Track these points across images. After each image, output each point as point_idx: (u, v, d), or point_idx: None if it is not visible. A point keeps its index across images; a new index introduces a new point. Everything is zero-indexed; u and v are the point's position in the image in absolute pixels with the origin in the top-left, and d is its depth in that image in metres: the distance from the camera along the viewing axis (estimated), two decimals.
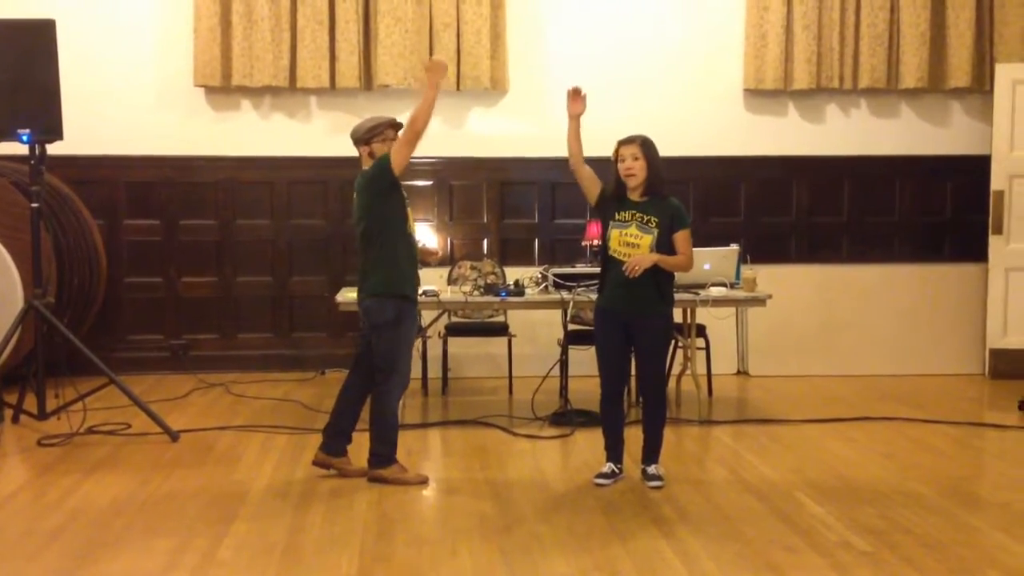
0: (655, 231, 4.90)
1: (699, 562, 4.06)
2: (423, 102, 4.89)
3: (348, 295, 6.33)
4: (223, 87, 7.78)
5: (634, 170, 4.93)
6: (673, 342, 6.09)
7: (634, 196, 4.97)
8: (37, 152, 6.05)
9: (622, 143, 4.98)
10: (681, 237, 4.94)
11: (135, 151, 7.83)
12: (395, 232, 4.97)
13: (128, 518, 4.59)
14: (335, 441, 5.19)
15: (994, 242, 7.65)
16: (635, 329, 4.96)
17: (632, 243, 4.92)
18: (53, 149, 6.18)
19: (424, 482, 5.07)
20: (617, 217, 4.97)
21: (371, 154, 5.04)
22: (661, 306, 4.97)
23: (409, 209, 5.06)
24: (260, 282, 8.07)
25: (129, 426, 6.09)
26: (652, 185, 4.95)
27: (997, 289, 7.66)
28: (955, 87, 8.08)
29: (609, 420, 5.15)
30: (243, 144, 7.93)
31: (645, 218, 4.92)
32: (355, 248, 5.20)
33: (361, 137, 5.05)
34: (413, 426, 5.90)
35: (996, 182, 7.59)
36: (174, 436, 5.91)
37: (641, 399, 5.19)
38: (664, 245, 4.91)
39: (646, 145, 4.95)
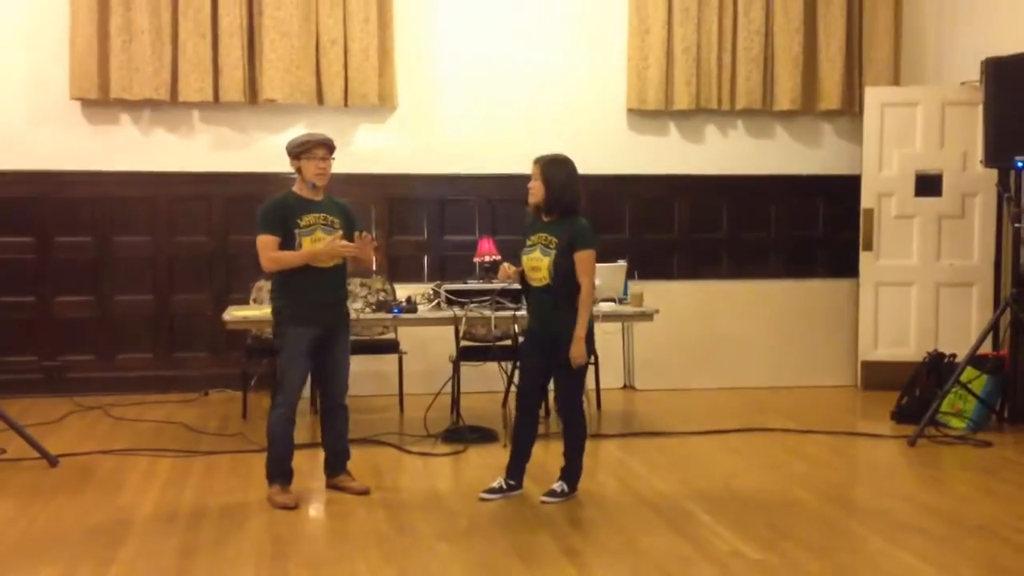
0: (553, 252, 4.92)
1: (595, 574, 4.11)
2: (291, 259, 4.96)
3: (235, 313, 6.23)
4: (101, 100, 7.55)
5: (533, 190, 4.99)
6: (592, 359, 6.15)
7: (544, 217, 5.02)
8: None
9: (533, 162, 5.03)
10: (581, 258, 4.91)
11: (6, 165, 7.52)
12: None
13: (9, 546, 4.42)
14: (330, 466, 5.32)
15: (864, 258, 7.97)
16: (551, 349, 4.99)
17: (535, 267, 4.97)
18: None
19: (292, 507, 4.96)
20: (527, 243, 5.03)
21: (298, 169, 5.04)
22: (571, 328, 4.91)
23: (304, 238, 5.01)
24: (140, 301, 7.83)
25: (4, 451, 5.84)
26: (553, 206, 4.97)
27: (868, 303, 7.97)
28: (827, 109, 8.41)
29: (517, 435, 5.18)
30: (122, 159, 7.69)
31: (548, 239, 4.95)
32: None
33: (290, 151, 5.07)
34: (304, 445, 5.81)
35: (866, 200, 7.92)
36: (53, 461, 5.69)
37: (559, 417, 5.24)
38: (562, 265, 4.90)
39: (548, 165, 4.98)
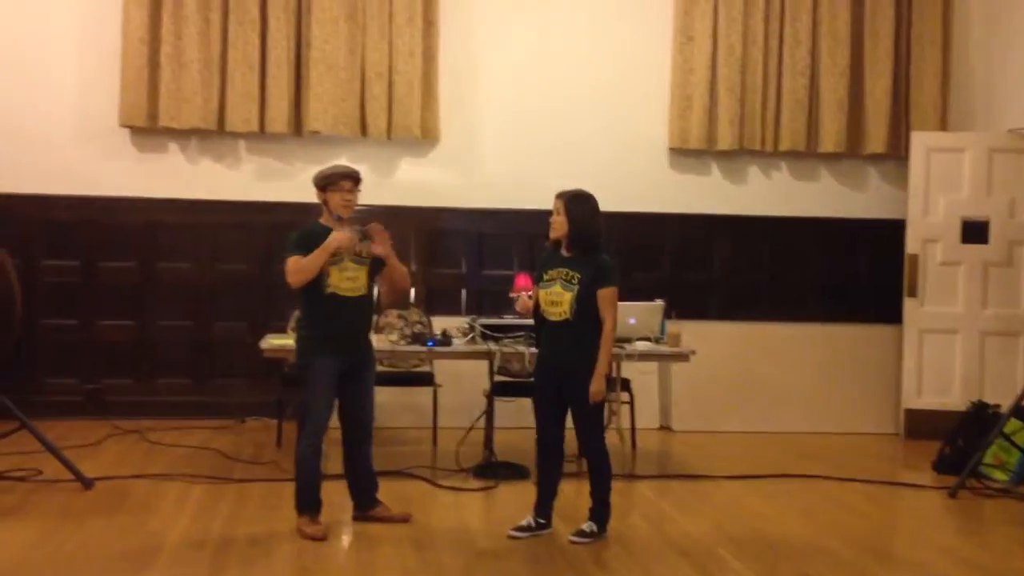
0: (576, 288, 4.89)
1: None
2: (311, 261, 4.94)
3: (273, 342, 6.27)
4: (149, 127, 7.68)
5: (555, 224, 4.98)
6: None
7: (565, 252, 5.01)
8: None
9: (556, 196, 5.03)
10: (604, 296, 4.90)
11: (56, 190, 7.66)
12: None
13: (38, 568, 4.45)
14: (358, 498, 5.32)
15: (909, 304, 7.86)
16: (567, 386, 4.95)
17: (555, 301, 4.94)
18: None
19: (320, 539, 4.94)
20: (545, 278, 5.00)
21: (324, 202, 5.07)
22: (590, 364, 4.90)
23: (332, 268, 5.02)
24: (180, 326, 7.92)
25: (41, 472, 5.89)
26: (576, 241, 4.95)
27: (911, 350, 7.85)
28: (872, 153, 8.33)
29: (541, 474, 5.15)
30: (168, 186, 7.81)
31: (569, 274, 4.93)
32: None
33: (317, 183, 5.11)
34: (336, 476, 5.81)
35: (911, 246, 7.82)
36: (87, 483, 5.73)
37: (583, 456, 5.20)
38: (585, 301, 4.88)
39: (572, 201, 4.96)
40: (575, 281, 4.89)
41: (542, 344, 5.10)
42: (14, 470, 5.89)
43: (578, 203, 4.96)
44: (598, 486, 5.04)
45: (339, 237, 4.96)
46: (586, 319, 4.88)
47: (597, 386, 4.86)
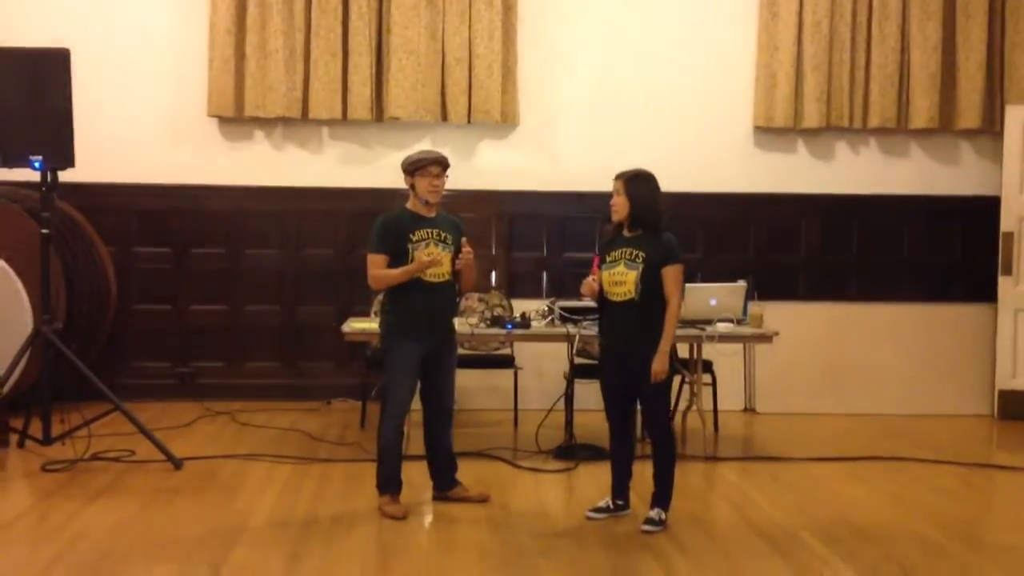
0: (640, 266, 4.84)
1: None
2: (394, 276, 5.03)
3: (354, 325, 6.36)
4: (236, 117, 7.85)
5: (616, 206, 4.93)
6: (678, 378, 6.04)
7: (627, 232, 4.97)
8: (48, 179, 6.10)
9: (615, 178, 4.99)
10: (670, 273, 4.85)
11: (148, 179, 7.89)
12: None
13: (128, 544, 4.59)
14: (438, 479, 5.38)
15: (1003, 283, 7.62)
16: (634, 367, 4.90)
17: (619, 281, 4.89)
18: (66, 176, 6.22)
19: (400, 518, 5.01)
20: (608, 259, 4.96)
21: (412, 186, 5.12)
22: (655, 343, 4.84)
23: (417, 252, 5.07)
24: (268, 311, 8.09)
25: (133, 453, 6.09)
26: (638, 220, 4.89)
27: (1006, 330, 7.62)
28: (965, 128, 8.08)
29: (614, 455, 5.13)
30: (255, 174, 7.98)
31: (633, 253, 4.88)
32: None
33: (405, 168, 5.15)
34: (417, 457, 5.88)
35: (1006, 223, 7.59)
36: (177, 464, 5.91)
37: (648, 437, 5.15)
38: (650, 280, 4.83)
39: (631, 182, 4.90)
40: (639, 260, 4.85)
41: (606, 326, 5.06)
42: (108, 451, 6.09)
43: (638, 183, 4.91)
44: (663, 469, 4.97)
45: (423, 262, 5.00)
46: (651, 298, 4.84)
47: (660, 365, 4.81)
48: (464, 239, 5.19)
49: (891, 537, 4.86)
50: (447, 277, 5.15)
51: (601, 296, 5.01)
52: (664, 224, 4.95)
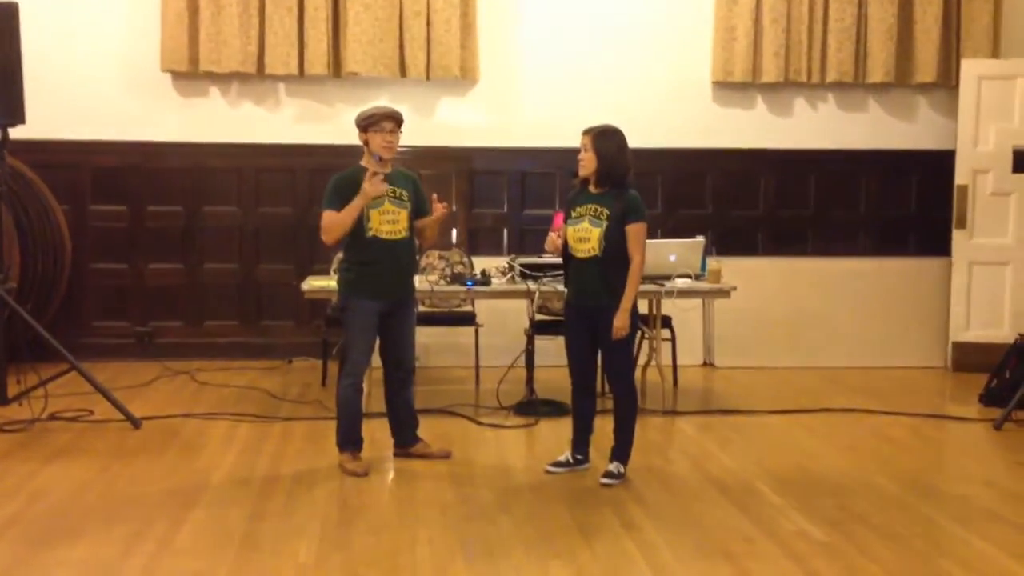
0: (605, 223, 4.84)
1: (657, 552, 4.09)
2: (343, 217, 4.95)
3: (314, 283, 6.33)
4: (190, 72, 7.72)
5: (583, 161, 4.92)
6: (639, 333, 6.07)
7: (593, 188, 4.97)
8: None
9: (583, 133, 4.97)
10: (633, 231, 4.84)
11: (101, 136, 7.76)
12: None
13: (87, 505, 4.58)
14: (399, 435, 5.40)
15: (957, 236, 7.72)
16: (597, 322, 4.93)
17: (583, 238, 4.89)
18: (16, 133, 6.13)
19: (361, 474, 5.03)
20: (573, 214, 4.96)
21: (366, 142, 5.06)
22: (617, 300, 4.86)
23: (372, 211, 5.03)
24: (227, 269, 8.03)
25: (92, 413, 6.05)
26: (605, 177, 4.88)
27: (960, 283, 7.73)
28: (922, 82, 8.13)
29: (576, 409, 5.17)
30: (210, 130, 7.87)
31: (598, 210, 4.88)
32: None
33: (358, 123, 5.10)
34: (379, 414, 5.89)
35: (960, 177, 7.66)
36: (136, 423, 5.88)
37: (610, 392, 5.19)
38: (614, 237, 4.83)
39: (599, 137, 4.88)
40: (604, 217, 4.85)
41: (571, 282, 5.06)
42: (66, 411, 6.05)
43: (605, 139, 4.89)
44: (623, 424, 5.02)
45: (370, 189, 4.93)
46: (614, 255, 4.84)
47: (621, 321, 4.84)
48: (435, 195, 5.16)
49: (846, 488, 4.95)
50: (405, 234, 5.12)
51: (566, 252, 5.02)
52: (631, 181, 4.95)
